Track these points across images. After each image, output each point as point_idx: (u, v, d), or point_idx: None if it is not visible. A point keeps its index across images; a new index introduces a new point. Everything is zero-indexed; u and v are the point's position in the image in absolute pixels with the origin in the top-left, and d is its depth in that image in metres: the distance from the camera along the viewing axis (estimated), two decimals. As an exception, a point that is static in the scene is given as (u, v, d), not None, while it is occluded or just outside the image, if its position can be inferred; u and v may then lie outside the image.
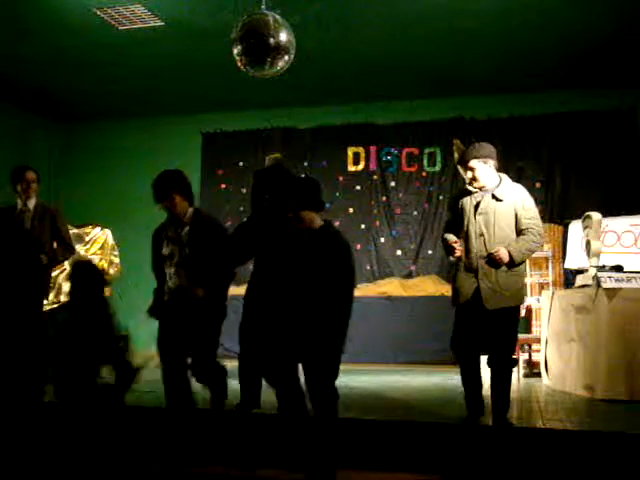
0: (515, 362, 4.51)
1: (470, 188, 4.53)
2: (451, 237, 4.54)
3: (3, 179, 10.00)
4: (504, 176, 4.53)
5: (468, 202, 4.48)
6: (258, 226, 4.76)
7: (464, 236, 4.46)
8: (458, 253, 4.43)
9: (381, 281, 9.55)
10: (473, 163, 4.44)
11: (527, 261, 6.62)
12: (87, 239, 8.68)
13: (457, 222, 4.54)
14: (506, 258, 4.23)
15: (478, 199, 4.43)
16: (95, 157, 10.68)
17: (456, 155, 8.13)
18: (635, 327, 5.33)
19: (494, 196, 4.39)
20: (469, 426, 4.27)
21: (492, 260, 4.25)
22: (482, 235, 4.34)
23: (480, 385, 4.42)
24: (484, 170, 4.44)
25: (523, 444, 3.99)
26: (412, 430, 4.21)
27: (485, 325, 4.31)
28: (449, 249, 4.50)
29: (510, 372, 4.39)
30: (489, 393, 4.36)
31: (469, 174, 4.49)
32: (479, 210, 4.39)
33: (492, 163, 4.47)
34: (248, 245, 4.74)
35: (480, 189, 4.46)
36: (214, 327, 4.38)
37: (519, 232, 4.35)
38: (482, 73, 8.59)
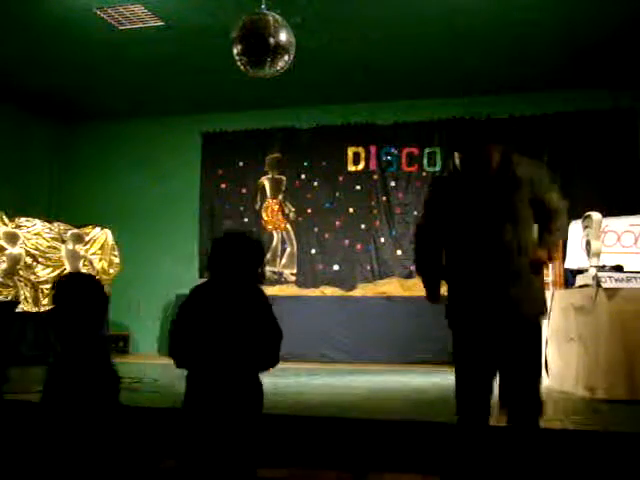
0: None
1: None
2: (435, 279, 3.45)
3: (3, 179, 10.01)
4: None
5: (462, 199, 3.30)
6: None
7: (460, 242, 3.32)
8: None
9: (381, 281, 9.56)
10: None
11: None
12: (87, 239, 8.69)
13: (441, 228, 3.37)
14: (545, 256, 3.26)
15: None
16: (95, 157, 10.68)
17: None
18: (635, 327, 5.32)
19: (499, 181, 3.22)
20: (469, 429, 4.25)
21: (533, 266, 3.23)
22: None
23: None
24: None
25: (523, 444, 3.98)
26: (412, 430, 4.20)
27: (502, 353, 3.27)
28: (431, 292, 3.52)
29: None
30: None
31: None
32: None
33: None
34: None
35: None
36: None
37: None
38: (482, 73, 8.59)
